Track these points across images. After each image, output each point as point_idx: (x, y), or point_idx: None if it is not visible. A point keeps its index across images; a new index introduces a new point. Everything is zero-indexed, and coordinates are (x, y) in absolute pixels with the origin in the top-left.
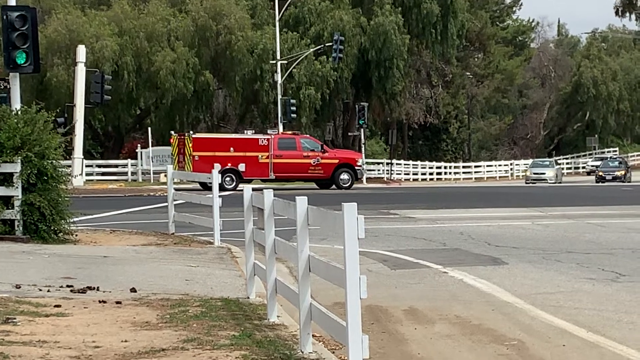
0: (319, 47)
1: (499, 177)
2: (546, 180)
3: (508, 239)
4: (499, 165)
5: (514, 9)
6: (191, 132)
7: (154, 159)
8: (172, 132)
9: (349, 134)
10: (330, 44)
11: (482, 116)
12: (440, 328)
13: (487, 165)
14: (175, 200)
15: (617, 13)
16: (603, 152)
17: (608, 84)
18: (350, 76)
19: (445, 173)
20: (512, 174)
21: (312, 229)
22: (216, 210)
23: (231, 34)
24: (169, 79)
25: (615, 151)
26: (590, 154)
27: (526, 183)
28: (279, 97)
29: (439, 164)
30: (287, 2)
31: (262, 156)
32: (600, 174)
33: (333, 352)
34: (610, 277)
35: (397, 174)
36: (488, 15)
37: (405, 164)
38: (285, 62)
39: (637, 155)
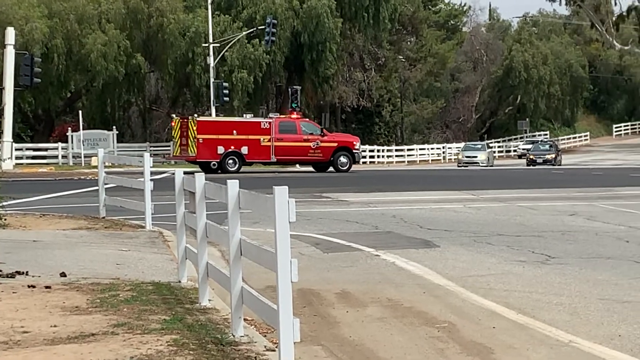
0: (252, 30)
1: (432, 160)
2: (478, 163)
3: (440, 222)
4: (432, 149)
5: None
6: (196, 115)
7: (84, 142)
8: (174, 115)
9: None
10: (263, 27)
11: (414, 100)
12: (372, 311)
13: (420, 149)
14: (106, 183)
15: None
16: (534, 136)
17: (539, 68)
18: (283, 59)
19: (378, 156)
20: (444, 157)
21: (245, 213)
22: (148, 194)
23: (163, 16)
24: (100, 62)
25: (546, 135)
26: (521, 138)
27: (458, 166)
28: (212, 80)
29: (371, 147)
30: None
31: (264, 139)
32: (531, 157)
33: (265, 336)
34: (540, 260)
35: None
36: None
37: None
38: (218, 45)
39: (568, 139)
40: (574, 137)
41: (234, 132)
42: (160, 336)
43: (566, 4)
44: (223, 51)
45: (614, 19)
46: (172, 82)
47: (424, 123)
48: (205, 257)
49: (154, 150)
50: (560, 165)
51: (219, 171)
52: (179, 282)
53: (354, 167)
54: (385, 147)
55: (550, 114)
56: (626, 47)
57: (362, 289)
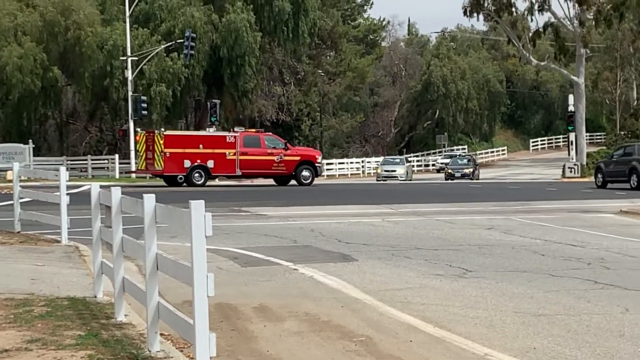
0: (170, 43)
1: (351, 174)
2: (397, 177)
3: (359, 235)
4: (351, 163)
5: (365, 7)
6: (162, 129)
7: (0, 156)
8: (139, 129)
9: None
10: (182, 40)
11: (334, 114)
12: (289, 325)
13: (339, 163)
14: (21, 197)
15: (465, 13)
16: (452, 150)
17: (457, 82)
18: (202, 73)
19: None
20: (363, 172)
21: (164, 227)
22: (63, 208)
23: (80, 29)
24: (16, 75)
25: (464, 149)
26: (439, 152)
27: (377, 180)
28: (130, 93)
29: None
30: None
31: (229, 153)
32: (450, 171)
33: (181, 351)
34: (457, 273)
35: None
36: (340, 14)
37: None
38: (136, 58)
39: (486, 153)
40: (492, 152)
41: (200, 146)
42: (74, 352)
43: (484, 20)
44: (141, 65)
45: (530, 34)
46: (90, 95)
47: (343, 137)
48: (121, 271)
49: (71, 164)
50: (478, 179)
51: (185, 184)
52: (95, 297)
53: (272, 181)
54: None
55: (469, 128)
56: (542, 63)
57: (280, 303)
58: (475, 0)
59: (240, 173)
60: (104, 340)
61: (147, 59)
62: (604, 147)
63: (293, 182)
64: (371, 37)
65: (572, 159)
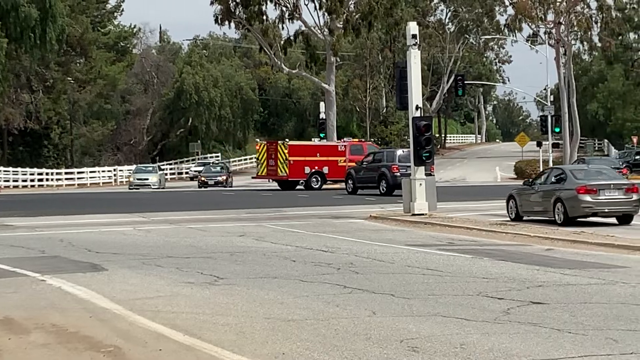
0: None
1: (103, 183)
2: (150, 185)
3: (109, 245)
4: (103, 171)
5: (116, 14)
6: (287, 140)
7: None
8: (258, 140)
9: None
10: None
11: (85, 122)
12: (35, 337)
13: (91, 172)
14: None
15: (216, 21)
16: (206, 158)
17: (210, 90)
18: None
19: (47, 180)
20: (116, 180)
21: None
22: None
23: None
24: None
25: (218, 157)
26: (193, 160)
27: (130, 189)
28: None
29: (40, 171)
30: None
31: (340, 160)
32: (203, 179)
33: None
34: (209, 281)
35: None
36: (89, 20)
37: (4, 171)
38: None
39: (239, 161)
40: (246, 159)
41: (318, 154)
42: None
43: (235, 28)
44: None
45: (282, 42)
46: None
47: (95, 145)
48: None
49: None
50: (231, 186)
51: (304, 188)
52: None
53: (21, 191)
54: (55, 170)
55: (222, 136)
56: (294, 71)
57: (25, 315)
58: (227, 8)
59: None
60: None
61: None
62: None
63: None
64: (122, 44)
65: None
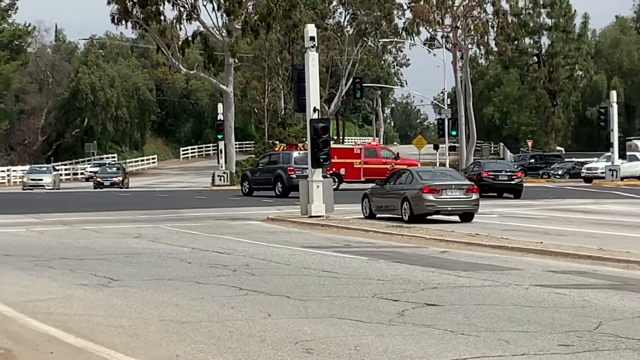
0: None
1: None
2: (44, 186)
3: (1, 246)
4: None
5: (10, 12)
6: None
7: None
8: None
9: None
10: None
11: None
12: None
13: None
14: None
15: (113, 21)
16: (102, 159)
17: (106, 90)
18: None
19: None
20: (9, 181)
21: None
22: None
23: None
24: None
25: (114, 157)
26: (89, 160)
27: (23, 189)
28: None
29: None
30: None
31: (356, 162)
32: (99, 179)
33: None
34: (103, 283)
35: None
36: None
37: None
38: None
39: (136, 162)
40: (142, 160)
41: (335, 156)
42: None
43: (133, 28)
44: None
45: (180, 43)
46: None
47: None
48: None
49: None
50: (128, 187)
51: None
52: None
53: None
54: None
55: (119, 136)
56: (192, 72)
57: None
58: (124, 8)
59: (364, 179)
60: None
61: None
62: (253, 156)
63: None
64: (16, 42)
65: (222, 167)
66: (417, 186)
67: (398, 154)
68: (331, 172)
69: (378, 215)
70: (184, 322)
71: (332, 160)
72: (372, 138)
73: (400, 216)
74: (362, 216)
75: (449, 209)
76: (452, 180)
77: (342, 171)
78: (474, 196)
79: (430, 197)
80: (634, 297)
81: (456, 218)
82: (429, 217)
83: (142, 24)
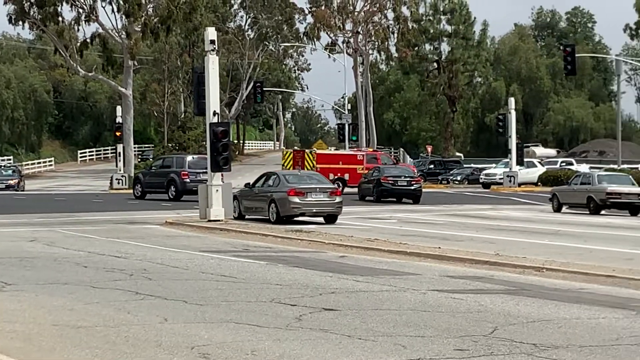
0: None
1: None
2: None
3: None
4: None
5: None
6: (314, 149)
7: None
8: (284, 148)
9: None
10: None
11: None
12: None
13: None
14: None
15: (10, 21)
16: (3, 160)
17: (2, 91)
18: None
19: None
20: None
21: None
22: None
23: None
24: None
25: (10, 160)
26: None
27: None
28: None
29: None
30: None
31: (359, 168)
32: None
33: None
34: None
35: None
36: None
37: None
38: None
39: (32, 164)
40: (39, 163)
41: (340, 162)
42: None
43: (30, 29)
44: None
45: (78, 45)
46: None
47: None
48: None
49: None
50: (23, 190)
51: None
52: None
53: None
54: None
55: (15, 138)
56: (90, 74)
57: None
58: (21, 8)
59: None
60: None
61: None
62: (151, 160)
63: None
64: None
65: (120, 170)
66: (283, 189)
67: (397, 159)
68: (336, 177)
69: (247, 217)
70: (79, 326)
71: (337, 166)
72: (272, 142)
73: (268, 217)
74: (232, 217)
75: (314, 210)
76: (317, 184)
77: (347, 176)
78: (338, 199)
79: (296, 199)
80: (529, 302)
81: (321, 219)
82: (294, 219)
83: (40, 24)
